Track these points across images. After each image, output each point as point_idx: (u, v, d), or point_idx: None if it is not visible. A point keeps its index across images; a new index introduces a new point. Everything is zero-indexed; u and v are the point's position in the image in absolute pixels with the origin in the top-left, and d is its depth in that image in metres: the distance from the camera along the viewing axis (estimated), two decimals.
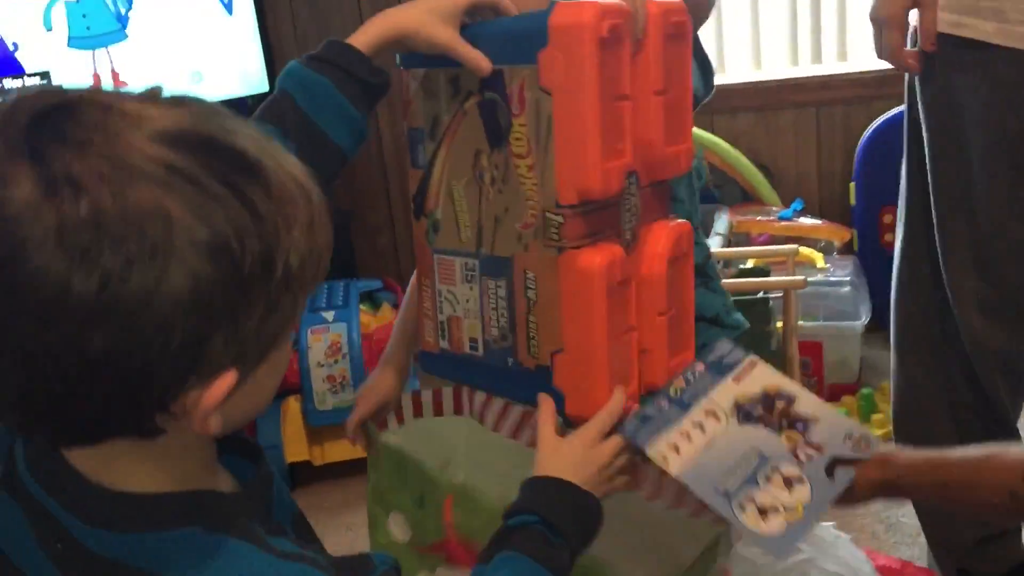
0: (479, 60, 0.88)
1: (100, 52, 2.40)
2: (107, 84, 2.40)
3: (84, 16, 2.38)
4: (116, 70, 2.42)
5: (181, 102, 0.59)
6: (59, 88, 0.57)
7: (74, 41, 2.36)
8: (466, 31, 0.90)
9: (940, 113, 1.33)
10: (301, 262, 0.58)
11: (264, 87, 2.73)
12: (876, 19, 1.34)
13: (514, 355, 0.93)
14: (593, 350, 0.86)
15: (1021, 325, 1.34)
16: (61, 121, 0.54)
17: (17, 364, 0.54)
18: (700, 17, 1.05)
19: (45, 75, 2.31)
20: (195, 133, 0.56)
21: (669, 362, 0.95)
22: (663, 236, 0.92)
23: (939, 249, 1.37)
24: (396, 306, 2.30)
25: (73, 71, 2.35)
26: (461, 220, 0.94)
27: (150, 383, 0.55)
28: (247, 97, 2.71)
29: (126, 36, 2.43)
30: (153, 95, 0.59)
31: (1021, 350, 1.36)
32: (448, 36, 0.89)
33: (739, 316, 1.21)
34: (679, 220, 0.97)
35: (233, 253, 0.54)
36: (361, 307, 2.21)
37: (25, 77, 2.29)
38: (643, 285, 0.91)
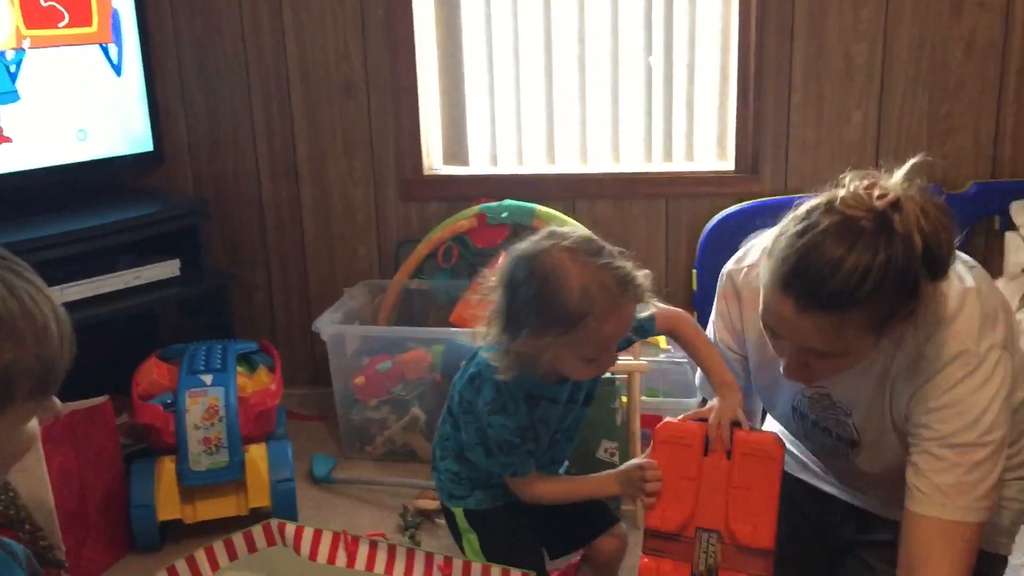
0: None
1: None
2: None
3: None
4: (1, 125, 2.46)
5: None
6: None
7: None
8: None
9: None
10: (7, 370, 0.87)
11: (148, 146, 2.82)
12: None
13: None
14: None
15: None
16: None
17: None
18: None
19: None
20: None
21: None
22: None
23: None
24: (272, 369, 2.40)
25: None
26: None
27: None
28: (129, 156, 2.79)
29: (19, 97, 2.48)
30: None
31: None
32: None
33: None
34: None
35: None
36: (237, 369, 2.31)
37: None
38: None
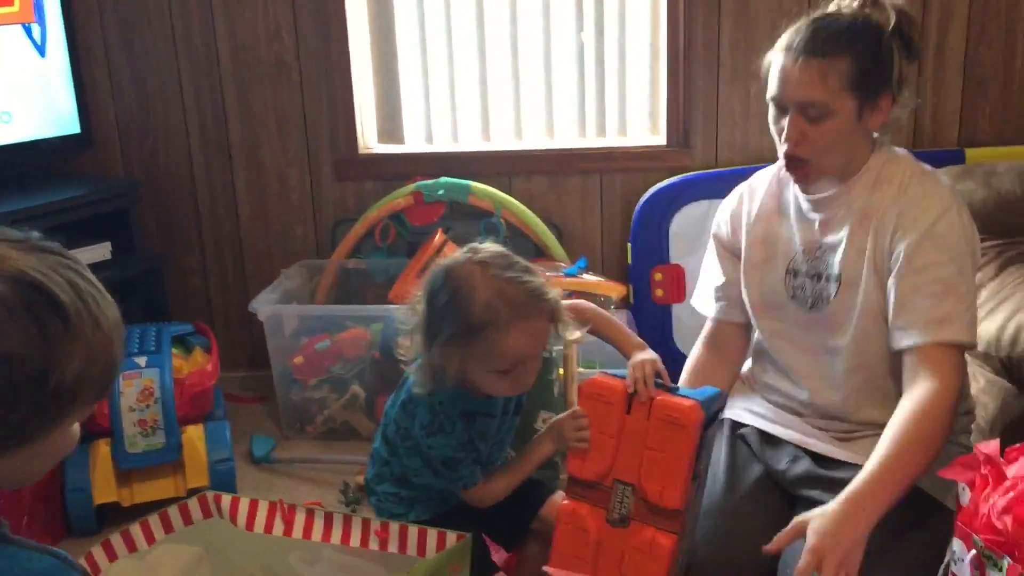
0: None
1: None
2: None
3: None
4: None
5: (43, 249, 0.85)
6: None
7: None
8: None
9: None
10: (76, 380, 0.83)
11: (75, 128, 2.77)
12: None
13: None
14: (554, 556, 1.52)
15: None
16: None
17: None
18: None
19: None
20: (30, 278, 0.82)
21: None
22: (640, 531, 1.48)
23: None
24: (208, 350, 2.39)
25: None
26: None
27: None
28: (56, 138, 2.73)
29: None
30: (27, 241, 0.85)
31: None
32: None
33: None
34: (667, 535, 1.47)
35: (12, 362, 0.80)
36: (173, 351, 2.29)
37: None
38: (628, 552, 1.48)
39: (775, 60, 1.56)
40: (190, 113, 2.89)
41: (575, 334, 1.56)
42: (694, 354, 1.83)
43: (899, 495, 1.42)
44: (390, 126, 2.94)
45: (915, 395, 1.48)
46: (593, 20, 2.79)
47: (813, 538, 1.36)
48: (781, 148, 1.59)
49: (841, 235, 1.60)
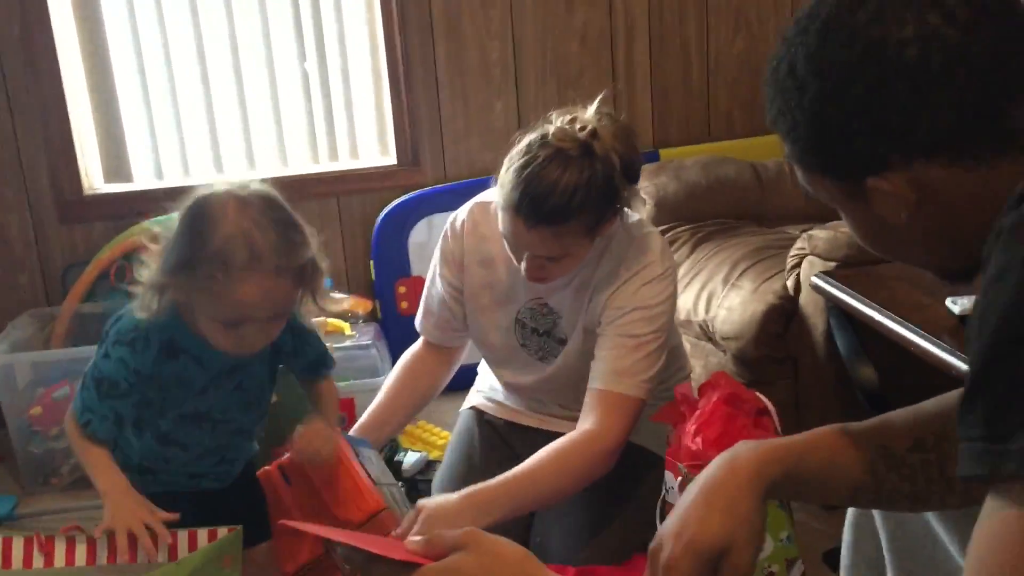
0: None
1: None
2: None
3: None
4: None
5: None
6: None
7: None
8: None
9: None
10: None
11: None
12: None
13: None
14: None
15: None
16: None
17: None
18: None
19: None
20: None
21: None
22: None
23: None
24: None
25: None
26: None
27: None
28: None
29: None
30: None
31: None
32: None
33: None
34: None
35: None
36: None
37: None
38: None
39: (502, 208, 1.53)
40: None
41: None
42: (395, 374, 1.88)
43: (520, 508, 1.52)
44: (116, 164, 2.88)
45: (577, 432, 1.58)
46: (315, 47, 2.89)
47: (426, 522, 1.41)
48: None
49: (564, 304, 1.68)
